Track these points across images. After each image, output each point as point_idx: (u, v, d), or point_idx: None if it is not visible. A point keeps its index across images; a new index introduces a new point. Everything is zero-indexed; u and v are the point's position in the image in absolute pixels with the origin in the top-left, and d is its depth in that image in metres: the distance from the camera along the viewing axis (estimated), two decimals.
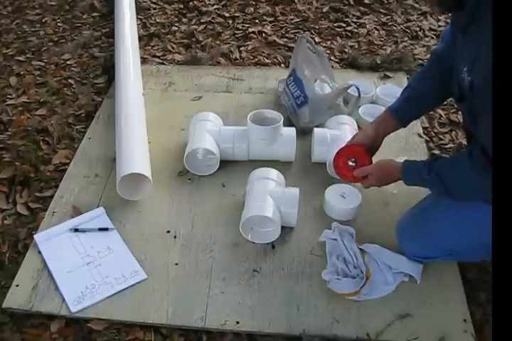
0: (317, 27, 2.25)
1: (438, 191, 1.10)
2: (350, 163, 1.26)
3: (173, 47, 2.14)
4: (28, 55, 2.14)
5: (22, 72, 2.03)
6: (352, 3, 2.39)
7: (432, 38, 2.16)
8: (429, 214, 1.15)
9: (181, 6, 2.44)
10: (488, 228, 0.70)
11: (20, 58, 2.13)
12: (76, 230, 1.32)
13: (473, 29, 0.90)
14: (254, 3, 2.43)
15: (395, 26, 2.25)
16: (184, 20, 2.34)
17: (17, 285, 1.20)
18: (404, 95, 1.26)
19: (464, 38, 0.98)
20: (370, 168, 1.22)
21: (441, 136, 1.64)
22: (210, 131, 1.49)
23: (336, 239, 1.24)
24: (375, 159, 1.25)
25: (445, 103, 1.52)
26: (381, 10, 2.36)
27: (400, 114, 1.25)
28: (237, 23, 2.29)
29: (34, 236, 1.30)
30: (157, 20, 2.32)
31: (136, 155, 1.43)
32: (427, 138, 1.61)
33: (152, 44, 2.17)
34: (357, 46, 2.12)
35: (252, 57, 2.07)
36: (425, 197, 1.20)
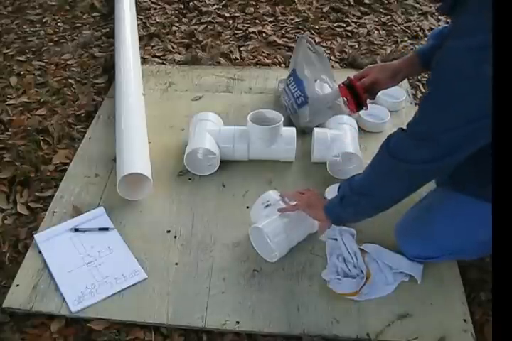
0: (317, 27, 2.25)
1: (356, 206, 1.10)
2: (344, 99, 1.34)
3: (173, 47, 2.14)
4: (28, 55, 2.14)
5: (22, 72, 2.03)
6: (352, 3, 2.39)
7: None
8: (428, 215, 1.15)
9: (181, 6, 2.44)
10: (488, 225, 0.70)
11: (21, 58, 2.12)
12: (76, 230, 1.32)
13: (457, 13, 0.90)
14: (254, 3, 2.43)
15: (395, 26, 2.25)
16: (184, 20, 2.34)
17: (17, 285, 1.20)
18: (436, 41, 1.23)
19: (451, 22, 0.99)
20: (300, 196, 1.25)
21: None
22: (210, 131, 1.49)
23: (336, 239, 1.24)
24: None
25: None
26: (381, 10, 2.36)
27: (426, 58, 1.24)
28: (237, 23, 2.29)
29: (34, 236, 1.30)
30: (157, 20, 2.32)
31: (137, 155, 1.43)
32: None
33: (152, 44, 2.17)
34: (357, 46, 2.12)
35: (252, 57, 2.07)
36: (422, 199, 1.20)
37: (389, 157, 0.98)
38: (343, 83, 1.32)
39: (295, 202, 1.24)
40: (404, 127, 0.98)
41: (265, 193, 1.30)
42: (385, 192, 1.05)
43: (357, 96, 1.28)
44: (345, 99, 1.33)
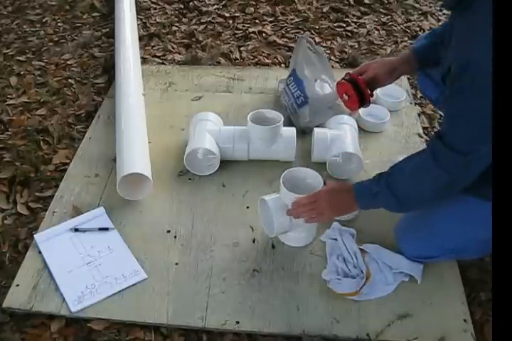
0: (317, 27, 2.25)
1: (388, 204, 1.05)
2: (345, 96, 1.31)
3: (173, 47, 2.15)
4: (28, 55, 2.14)
5: (22, 72, 2.03)
6: (352, 3, 2.40)
7: None
8: (428, 214, 1.14)
9: (181, 6, 2.44)
10: (489, 224, 0.70)
11: (21, 58, 2.12)
12: (76, 230, 1.32)
13: (459, 11, 0.90)
14: (254, 3, 2.43)
15: (395, 26, 2.25)
16: (184, 20, 2.34)
17: (17, 285, 1.20)
18: (430, 39, 1.24)
19: (452, 17, 1.00)
20: (318, 192, 1.14)
21: None
22: (210, 131, 1.49)
23: (336, 239, 1.24)
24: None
25: None
26: (381, 10, 2.36)
27: (421, 56, 1.25)
28: (237, 23, 2.30)
29: (34, 236, 1.30)
30: (157, 20, 2.32)
31: (137, 155, 1.43)
32: (427, 138, 1.61)
33: (152, 44, 2.17)
34: (357, 46, 2.12)
35: (252, 57, 2.07)
36: None
37: (438, 170, 0.95)
38: (343, 79, 1.30)
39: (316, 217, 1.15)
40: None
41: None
42: (419, 203, 1.06)
43: (361, 92, 1.26)
44: (346, 96, 1.30)
